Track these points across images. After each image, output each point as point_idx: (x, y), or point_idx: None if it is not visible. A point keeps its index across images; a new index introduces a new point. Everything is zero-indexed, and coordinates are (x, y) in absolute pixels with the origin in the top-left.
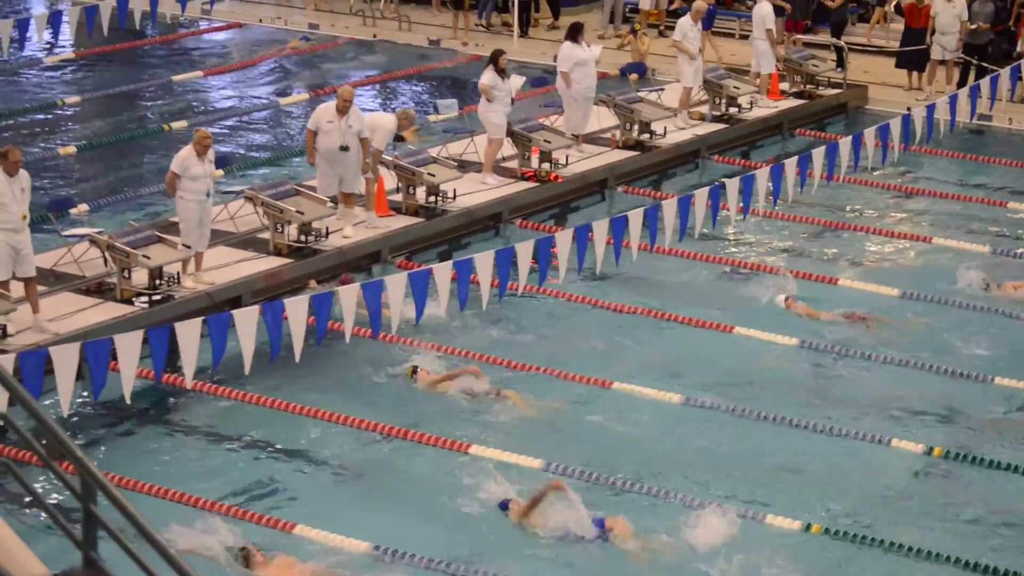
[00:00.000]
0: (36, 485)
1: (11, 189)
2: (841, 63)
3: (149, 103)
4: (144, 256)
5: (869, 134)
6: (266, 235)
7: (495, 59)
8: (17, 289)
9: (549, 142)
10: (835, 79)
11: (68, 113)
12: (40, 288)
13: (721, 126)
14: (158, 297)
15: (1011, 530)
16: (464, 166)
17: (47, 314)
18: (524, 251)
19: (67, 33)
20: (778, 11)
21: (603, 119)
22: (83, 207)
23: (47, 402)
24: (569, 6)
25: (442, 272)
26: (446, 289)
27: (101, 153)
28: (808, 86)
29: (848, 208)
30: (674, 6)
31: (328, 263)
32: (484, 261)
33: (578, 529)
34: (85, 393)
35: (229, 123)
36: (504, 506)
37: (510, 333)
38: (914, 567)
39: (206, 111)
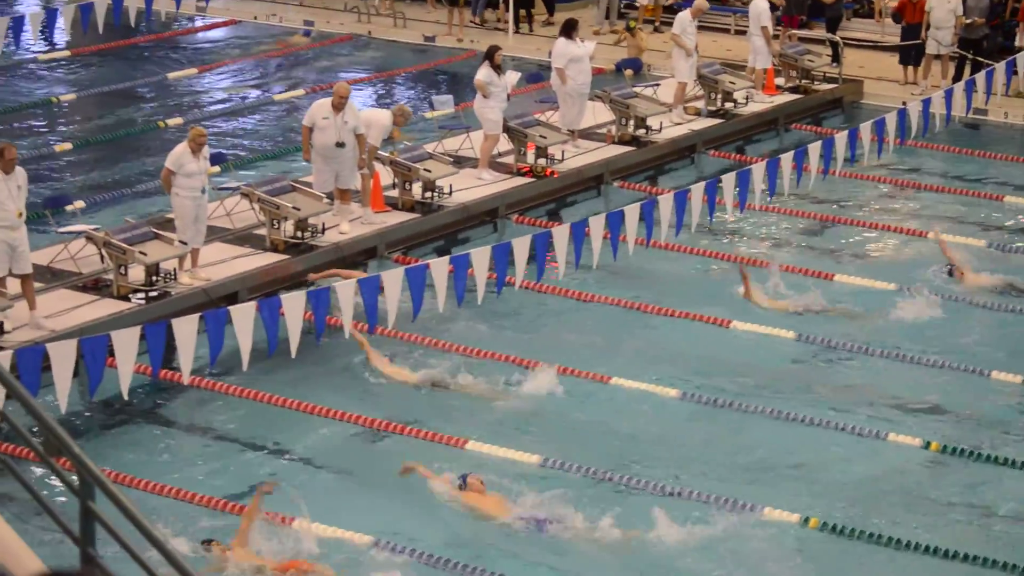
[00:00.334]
0: (34, 482)
1: (7, 186)
2: (837, 58)
3: (144, 100)
4: (140, 252)
5: (865, 129)
6: (262, 231)
7: (491, 55)
8: (14, 286)
9: (545, 137)
10: (831, 74)
11: (64, 110)
12: (37, 285)
13: (717, 121)
14: (155, 293)
15: (1008, 524)
16: (460, 162)
17: (44, 311)
18: (521, 246)
19: (62, 30)
20: (772, 7)
21: (599, 114)
22: (79, 204)
23: (48, 399)
24: (564, 1)
25: (439, 267)
26: (443, 284)
27: (97, 150)
28: (804, 81)
29: (844, 202)
30: (670, 1)
31: (324, 259)
32: (481, 256)
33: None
34: (82, 389)
35: (225, 120)
36: (463, 481)
37: (507, 328)
38: (911, 560)
39: (201, 108)
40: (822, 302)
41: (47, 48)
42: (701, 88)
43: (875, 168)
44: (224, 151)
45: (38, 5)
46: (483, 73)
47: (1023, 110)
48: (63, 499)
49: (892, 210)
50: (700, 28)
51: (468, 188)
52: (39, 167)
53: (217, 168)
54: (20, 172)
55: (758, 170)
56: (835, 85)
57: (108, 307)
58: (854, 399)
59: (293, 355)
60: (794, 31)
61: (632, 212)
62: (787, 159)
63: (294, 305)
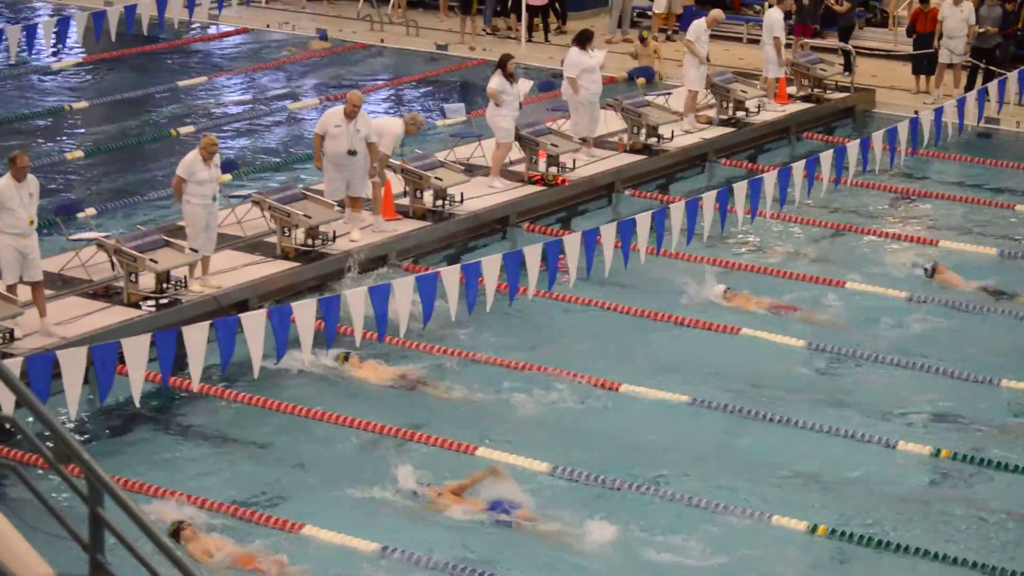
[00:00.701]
0: (43, 488)
1: (19, 194)
2: (849, 67)
3: (156, 108)
4: (151, 260)
5: (877, 138)
6: (273, 239)
7: (503, 64)
8: (24, 293)
9: (556, 146)
10: (843, 83)
11: (76, 118)
12: (47, 292)
13: (728, 130)
14: (165, 301)
15: (1017, 532)
16: (471, 170)
17: (54, 318)
18: (532, 254)
19: (75, 38)
20: (785, 16)
21: (610, 123)
22: (90, 211)
23: (58, 407)
24: (577, 10)
25: (450, 275)
26: (455, 292)
27: (108, 158)
28: (816, 90)
29: (856, 211)
30: (681, 10)
31: (335, 267)
32: (491, 264)
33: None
34: (91, 397)
35: (237, 127)
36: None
37: (518, 335)
38: (920, 568)
39: (213, 116)
40: (792, 301)
41: (60, 56)
42: (713, 97)
43: (887, 177)
44: (235, 159)
45: (51, 13)
46: (495, 82)
47: None
48: (72, 506)
49: (904, 219)
50: (712, 37)
51: (479, 196)
52: (51, 174)
53: (228, 176)
54: (32, 180)
55: (770, 179)
56: (847, 94)
57: (119, 314)
58: (863, 407)
59: (305, 363)
60: (807, 40)
61: (643, 220)
62: (799, 168)
63: (305, 312)
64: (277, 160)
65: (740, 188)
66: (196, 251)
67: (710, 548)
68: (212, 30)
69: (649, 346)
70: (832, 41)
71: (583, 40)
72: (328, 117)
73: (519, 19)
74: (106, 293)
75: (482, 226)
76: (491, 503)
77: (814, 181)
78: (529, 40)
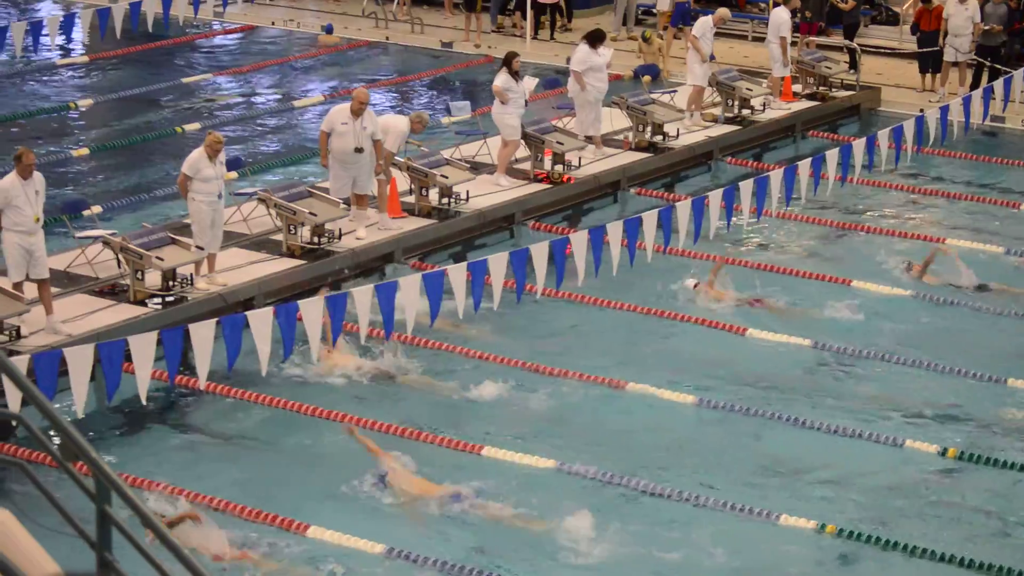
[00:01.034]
0: (50, 486)
1: (25, 192)
2: (854, 65)
3: (162, 105)
4: (157, 258)
5: (882, 136)
6: (279, 236)
7: (509, 61)
8: (31, 290)
9: (562, 144)
10: (848, 81)
11: (81, 115)
12: (54, 290)
13: (734, 128)
14: (171, 299)
15: None
16: (477, 168)
17: (61, 315)
18: (539, 252)
19: (80, 35)
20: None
21: (616, 121)
22: (96, 209)
23: (66, 404)
24: (582, 8)
25: (456, 273)
26: (461, 290)
27: (114, 155)
28: (821, 88)
29: (861, 209)
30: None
31: (341, 264)
32: (498, 262)
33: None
34: (99, 394)
35: (242, 125)
36: (382, 478)
37: (523, 334)
38: (928, 568)
39: (219, 113)
40: (761, 294)
41: (65, 53)
42: (718, 95)
43: (892, 175)
44: (241, 156)
45: (56, 10)
46: (501, 79)
47: None
48: (79, 503)
49: (909, 217)
50: (717, 34)
51: (485, 194)
52: (57, 172)
53: (234, 174)
54: (38, 177)
55: (775, 177)
56: (852, 92)
57: (125, 312)
58: (870, 406)
59: (315, 359)
60: (812, 38)
61: (650, 219)
62: (804, 166)
63: (312, 310)
64: (283, 157)
65: (746, 186)
66: (202, 249)
67: (718, 547)
68: (217, 27)
69: (655, 345)
70: (837, 39)
71: (594, 39)
72: (334, 114)
73: (524, 17)
74: (112, 291)
75: (487, 224)
76: (452, 495)
77: (820, 179)
78: (535, 38)
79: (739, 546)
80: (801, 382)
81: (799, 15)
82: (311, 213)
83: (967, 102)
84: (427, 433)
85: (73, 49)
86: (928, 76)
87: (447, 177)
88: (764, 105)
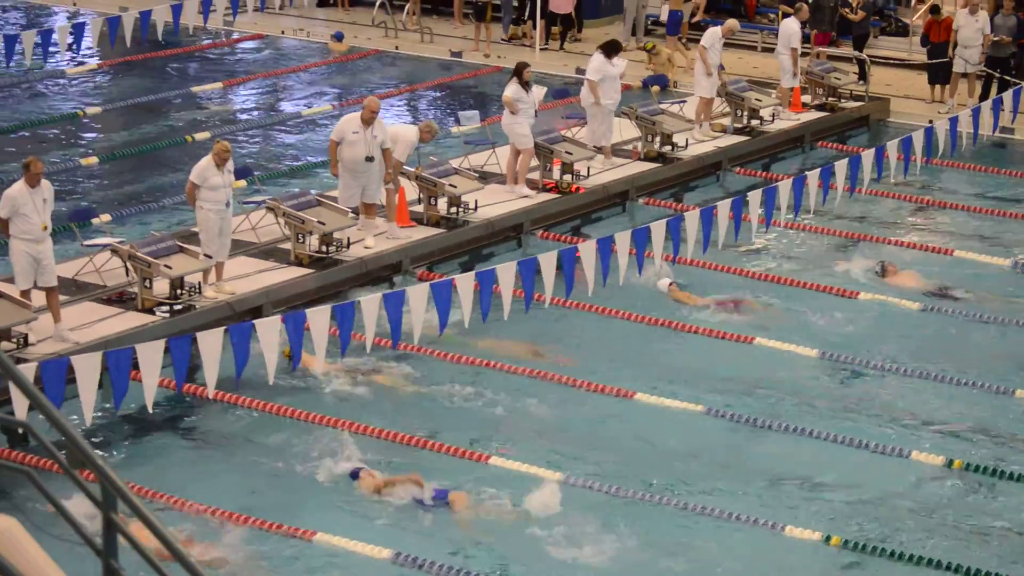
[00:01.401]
0: (56, 493)
1: (32, 200)
2: (863, 76)
3: (171, 114)
4: (165, 266)
5: (891, 147)
6: (287, 245)
7: (519, 72)
8: (38, 298)
9: (571, 154)
10: (857, 92)
11: (90, 123)
12: (61, 297)
13: (743, 138)
14: (179, 307)
15: None
16: (485, 177)
17: (68, 323)
18: (547, 262)
19: (90, 44)
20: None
21: (625, 131)
22: (105, 217)
23: (74, 415)
24: (592, 18)
25: (465, 283)
26: (469, 300)
27: (123, 163)
28: (830, 99)
29: (870, 220)
30: (696, 19)
31: (349, 274)
32: (506, 272)
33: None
34: (108, 405)
35: (251, 133)
36: (355, 475)
37: (531, 344)
38: None
39: (228, 122)
40: (734, 296)
41: (75, 61)
42: (727, 105)
43: (901, 186)
44: (250, 165)
45: (66, 18)
46: (511, 90)
47: None
48: (86, 511)
49: (918, 228)
50: (726, 45)
51: (493, 204)
52: (66, 180)
53: (243, 182)
54: (46, 185)
55: (784, 187)
56: (861, 103)
57: (133, 320)
58: (877, 416)
59: (320, 369)
60: (822, 49)
61: (658, 229)
62: (813, 177)
63: (319, 320)
64: (292, 166)
65: (755, 197)
66: (210, 257)
67: (723, 557)
68: (227, 36)
69: (663, 355)
70: (847, 50)
71: (610, 49)
72: (345, 124)
73: (535, 27)
74: (120, 299)
75: (496, 234)
76: (435, 491)
77: (828, 190)
78: (544, 48)
79: (744, 556)
80: (808, 392)
81: (806, 25)
82: (320, 222)
83: (976, 113)
84: (433, 441)
85: (83, 57)
86: (937, 87)
87: (456, 187)
88: (773, 116)
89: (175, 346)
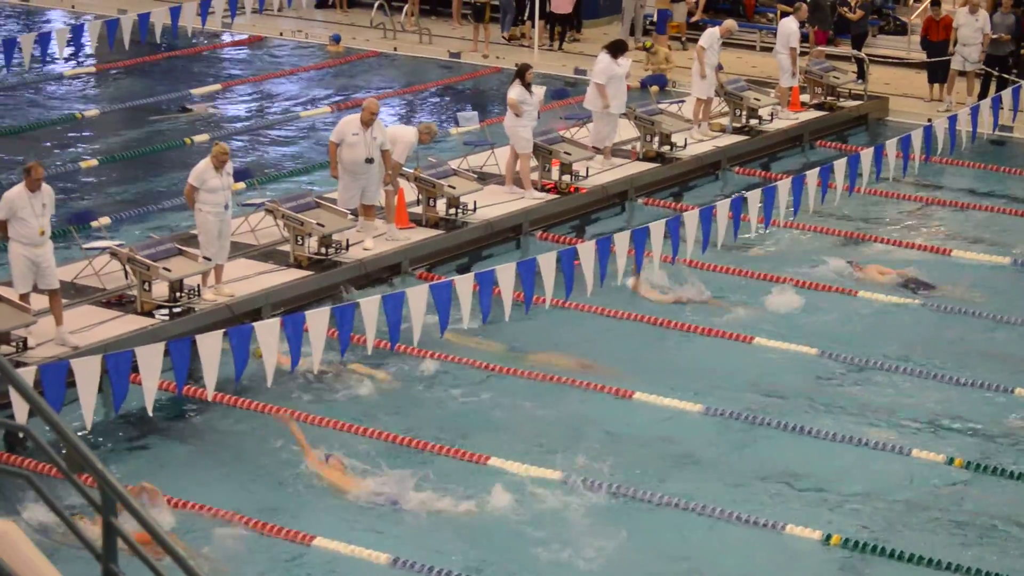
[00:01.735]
0: (56, 497)
1: (31, 204)
2: (862, 75)
3: (170, 116)
4: (164, 269)
5: (890, 145)
6: (287, 247)
7: (522, 73)
8: (38, 302)
9: (569, 154)
10: (856, 91)
11: (89, 126)
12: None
13: (742, 138)
14: (178, 310)
15: None
16: (484, 178)
17: (68, 326)
18: (547, 263)
19: (88, 46)
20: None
21: (624, 131)
22: (104, 220)
23: (74, 419)
24: (590, 18)
25: (464, 284)
26: (468, 301)
27: (122, 166)
28: (829, 98)
29: (869, 219)
30: (695, 19)
31: (349, 275)
32: (506, 273)
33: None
34: (107, 408)
35: (250, 136)
36: (327, 459)
37: (530, 344)
38: None
39: (226, 124)
40: (705, 294)
41: (73, 64)
42: (726, 105)
43: (901, 185)
44: (249, 167)
45: (65, 21)
46: (516, 92)
47: None
48: (86, 515)
49: (917, 227)
50: (725, 44)
51: (492, 204)
52: (65, 183)
53: (242, 184)
54: (47, 190)
55: (783, 187)
56: (860, 102)
57: (132, 323)
58: (877, 415)
59: (315, 370)
60: (821, 48)
61: (657, 229)
62: (812, 176)
63: (318, 321)
64: (291, 168)
65: (754, 196)
66: (209, 259)
67: (723, 557)
68: (225, 38)
69: (662, 354)
70: (845, 49)
71: (616, 50)
72: (345, 125)
73: (534, 27)
74: (119, 302)
75: (495, 235)
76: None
77: (827, 189)
78: (543, 48)
79: (744, 555)
80: (807, 391)
81: (805, 24)
82: (319, 224)
83: (975, 112)
84: (432, 444)
85: (82, 60)
86: (936, 86)
87: (454, 188)
88: (772, 115)
89: (175, 349)
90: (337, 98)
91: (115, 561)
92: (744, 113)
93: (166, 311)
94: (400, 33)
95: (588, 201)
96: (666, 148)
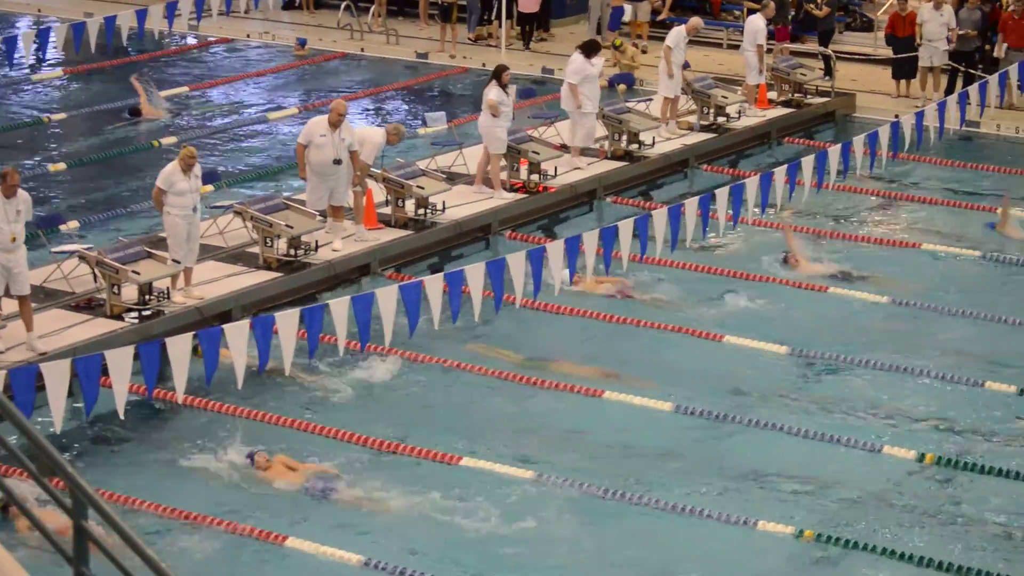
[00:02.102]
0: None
1: (4, 210)
2: (829, 71)
3: (138, 119)
4: (133, 272)
5: (858, 142)
6: (256, 249)
7: (499, 75)
8: (8, 306)
9: (538, 154)
10: (823, 88)
11: (56, 129)
12: None
13: (709, 136)
14: (148, 312)
15: (1002, 535)
16: (453, 178)
17: (37, 331)
18: (516, 263)
19: (55, 50)
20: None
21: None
22: (73, 223)
23: (43, 420)
24: (558, 17)
25: (434, 284)
26: (438, 301)
27: (90, 169)
28: (796, 95)
29: (837, 216)
30: (661, 17)
31: (318, 276)
32: (475, 273)
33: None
34: (78, 405)
35: (218, 138)
36: (250, 457)
37: (499, 343)
38: (905, 572)
39: (194, 127)
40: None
41: (40, 67)
42: (694, 103)
43: (868, 181)
44: (217, 170)
45: (30, 24)
46: (494, 93)
47: (1015, 122)
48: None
49: (885, 222)
50: (692, 42)
51: (460, 204)
52: (32, 187)
53: (210, 187)
54: (23, 196)
55: (751, 184)
56: (828, 99)
57: (101, 326)
58: (847, 411)
59: (287, 372)
60: (786, 45)
61: (626, 227)
62: (780, 173)
63: (288, 323)
64: (259, 170)
65: (722, 194)
66: (178, 262)
67: (695, 554)
68: (191, 40)
69: (632, 353)
70: (812, 46)
71: (589, 49)
72: (312, 127)
73: (501, 26)
74: (89, 305)
75: (464, 234)
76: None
77: (795, 186)
78: (510, 47)
79: (717, 552)
80: (778, 388)
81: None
82: (288, 225)
83: (942, 107)
84: (404, 445)
85: (48, 63)
86: (903, 82)
87: (423, 188)
88: (739, 113)
89: (144, 352)
90: (305, 100)
91: (87, 564)
92: (711, 111)
93: (135, 314)
94: (367, 34)
95: (557, 200)
96: (634, 147)
